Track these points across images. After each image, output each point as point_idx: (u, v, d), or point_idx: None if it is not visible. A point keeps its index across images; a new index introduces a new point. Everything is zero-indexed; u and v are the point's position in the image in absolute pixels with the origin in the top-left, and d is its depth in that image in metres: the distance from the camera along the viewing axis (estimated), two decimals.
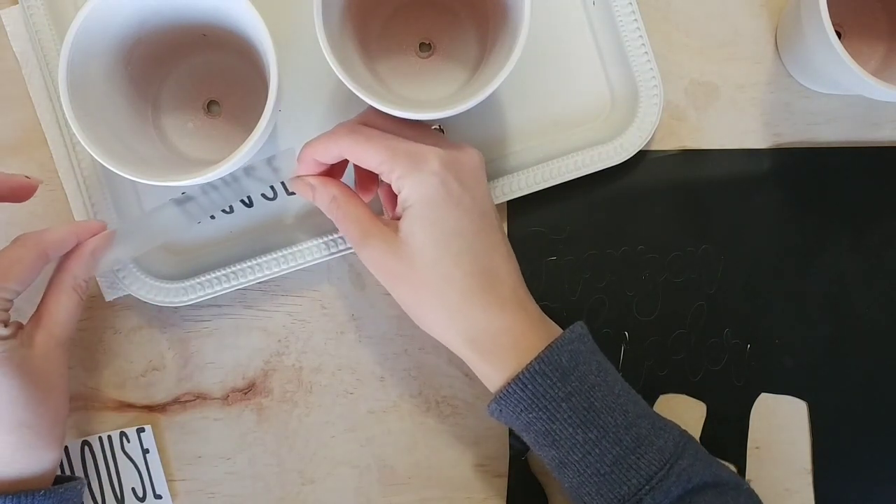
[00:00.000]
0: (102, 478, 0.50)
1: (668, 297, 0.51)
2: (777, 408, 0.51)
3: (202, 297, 0.49)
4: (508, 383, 0.41)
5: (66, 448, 0.50)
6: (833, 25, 0.43)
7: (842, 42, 0.43)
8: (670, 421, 0.43)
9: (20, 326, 0.43)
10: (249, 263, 0.49)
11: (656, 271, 0.51)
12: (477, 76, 0.47)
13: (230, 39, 0.46)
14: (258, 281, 0.49)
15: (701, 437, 0.50)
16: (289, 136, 0.50)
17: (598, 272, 0.51)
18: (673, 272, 0.51)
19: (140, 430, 0.50)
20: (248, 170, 0.45)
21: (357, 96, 0.41)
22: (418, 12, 0.49)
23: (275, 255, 0.49)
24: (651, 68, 0.49)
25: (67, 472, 0.50)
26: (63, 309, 0.44)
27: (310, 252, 0.49)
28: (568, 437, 0.41)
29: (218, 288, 0.49)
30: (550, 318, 0.51)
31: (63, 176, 0.51)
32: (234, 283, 0.49)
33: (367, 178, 0.47)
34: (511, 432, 0.51)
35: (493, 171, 0.49)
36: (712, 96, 0.52)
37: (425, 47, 0.49)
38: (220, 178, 0.45)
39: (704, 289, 0.51)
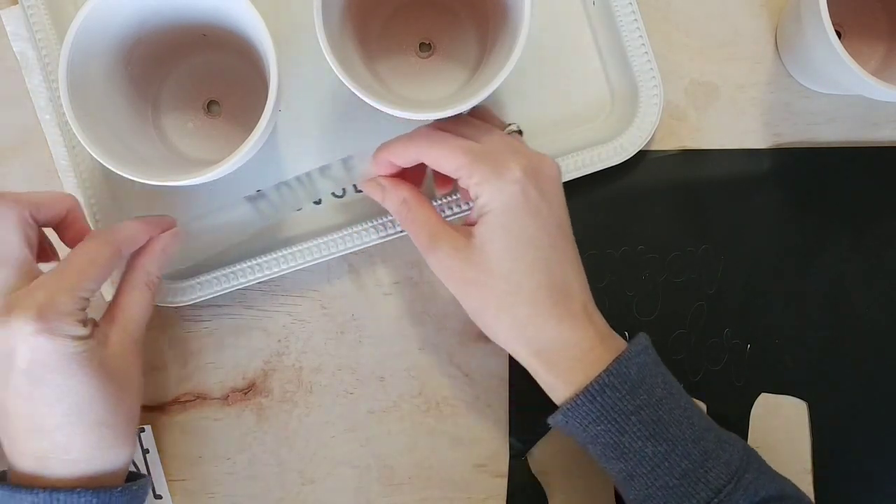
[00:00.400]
0: None
1: (668, 297, 0.51)
2: (777, 408, 0.51)
3: (202, 297, 0.49)
4: (577, 395, 0.41)
5: None
6: (833, 25, 0.43)
7: (842, 42, 0.43)
8: (733, 434, 0.43)
9: (96, 325, 0.42)
10: (249, 263, 0.49)
11: (656, 271, 0.51)
12: (477, 76, 0.47)
13: (230, 39, 0.46)
14: (258, 281, 0.49)
15: None
16: (289, 136, 0.50)
17: (598, 272, 0.51)
18: (673, 272, 0.51)
19: (140, 430, 0.50)
20: (323, 169, 0.45)
21: (357, 96, 0.41)
22: (418, 12, 0.49)
23: (275, 255, 0.49)
24: (651, 68, 0.49)
25: None
26: (137, 306, 0.44)
27: (310, 252, 0.49)
28: (637, 451, 0.40)
29: (218, 288, 0.49)
30: None
31: (63, 176, 0.51)
32: (233, 283, 0.49)
33: (443, 183, 0.47)
34: (511, 432, 0.51)
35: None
36: (712, 96, 0.52)
37: (425, 47, 0.49)
38: (295, 177, 0.45)
39: (704, 289, 0.51)
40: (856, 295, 0.51)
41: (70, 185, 0.50)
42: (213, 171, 0.41)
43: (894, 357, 0.51)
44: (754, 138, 0.52)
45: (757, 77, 0.52)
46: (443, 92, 0.49)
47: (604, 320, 0.43)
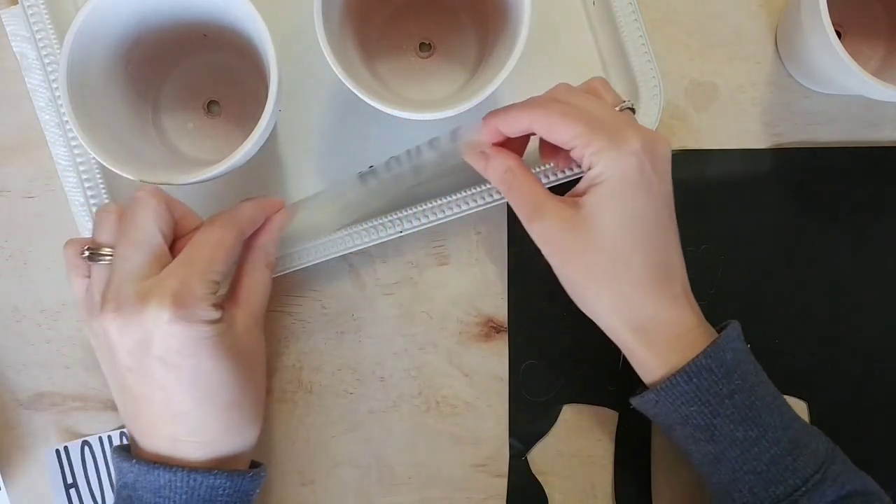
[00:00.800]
0: (102, 478, 0.50)
1: None
2: None
3: None
4: (673, 375, 0.41)
5: (66, 448, 0.50)
6: (833, 25, 0.43)
7: (842, 42, 0.43)
8: (816, 427, 0.43)
9: (223, 308, 0.42)
10: None
11: None
12: (477, 76, 0.47)
13: (230, 39, 0.46)
14: None
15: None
16: (289, 136, 0.50)
17: None
18: None
19: None
20: (431, 141, 0.45)
21: (357, 96, 0.41)
22: (418, 12, 0.49)
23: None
24: (651, 68, 0.49)
25: (68, 472, 0.50)
26: (259, 286, 0.44)
27: (310, 252, 0.49)
28: (728, 434, 0.41)
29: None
30: (550, 317, 0.51)
31: (63, 176, 0.51)
32: None
33: (551, 154, 0.46)
34: (511, 432, 0.51)
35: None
36: (712, 96, 0.52)
37: (425, 47, 0.49)
38: (405, 151, 0.45)
39: (704, 289, 0.51)
40: (856, 295, 0.51)
41: (70, 185, 0.50)
42: (212, 171, 0.41)
43: (894, 357, 0.51)
44: (754, 138, 0.52)
45: (757, 77, 0.52)
46: (443, 92, 0.49)
47: (697, 306, 0.43)
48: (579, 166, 0.42)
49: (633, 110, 0.43)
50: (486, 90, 0.40)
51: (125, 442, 0.50)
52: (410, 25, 0.49)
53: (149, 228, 0.40)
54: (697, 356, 0.40)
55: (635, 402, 0.44)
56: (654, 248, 0.41)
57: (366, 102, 0.41)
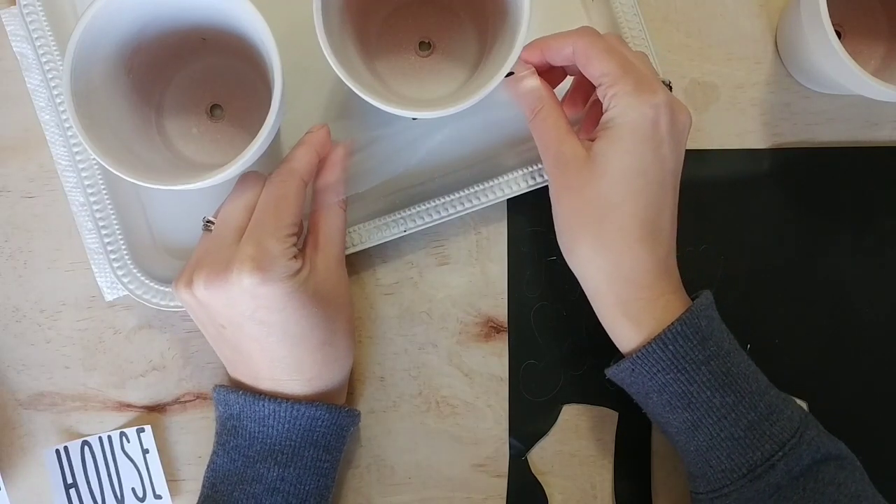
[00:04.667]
0: (102, 478, 0.50)
1: None
2: None
3: None
4: (648, 342, 0.41)
5: (66, 448, 0.50)
6: (833, 25, 0.43)
7: (842, 42, 0.43)
8: (787, 394, 0.44)
9: (303, 254, 0.44)
10: None
11: None
12: (477, 75, 0.47)
13: (230, 42, 0.46)
14: None
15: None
16: (291, 137, 0.50)
17: None
18: None
19: (140, 430, 0.50)
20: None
21: (357, 95, 0.41)
22: (418, 11, 0.49)
23: None
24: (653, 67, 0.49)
25: (68, 472, 0.50)
26: (334, 227, 0.46)
27: None
28: (705, 401, 0.41)
29: None
30: (550, 317, 0.51)
31: (63, 176, 0.51)
32: None
33: (581, 93, 0.47)
34: (511, 432, 0.51)
35: (494, 169, 0.49)
36: (712, 96, 0.52)
37: (425, 46, 0.49)
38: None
39: (704, 288, 0.51)
40: (856, 295, 0.51)
41: (70, 185, 0.50)
42: (218, 175, 0.41)
43: (894, 357, 0.51)
44: (754, 138, 0.52)
45: (757, 77, 0.52)
46: (443, 90, 0.49)
47: (679, 277, 0.43)
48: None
49: (669, 87, 0.44)
50: (485, 88, 0.40)
51: (125, 442, 0.50)
52: (410, 24, 0.49)
53: (235, 208, 0.44)
54: (673, 323, 0.41)
55: (611, 372, 0.44)
56: (646, 204, 0.41)
57: (366, 101, 0.41)
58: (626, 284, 0.42)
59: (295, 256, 0.43)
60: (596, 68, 0.41)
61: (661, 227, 0.42)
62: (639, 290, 0.42)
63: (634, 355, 0.42)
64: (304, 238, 0.46)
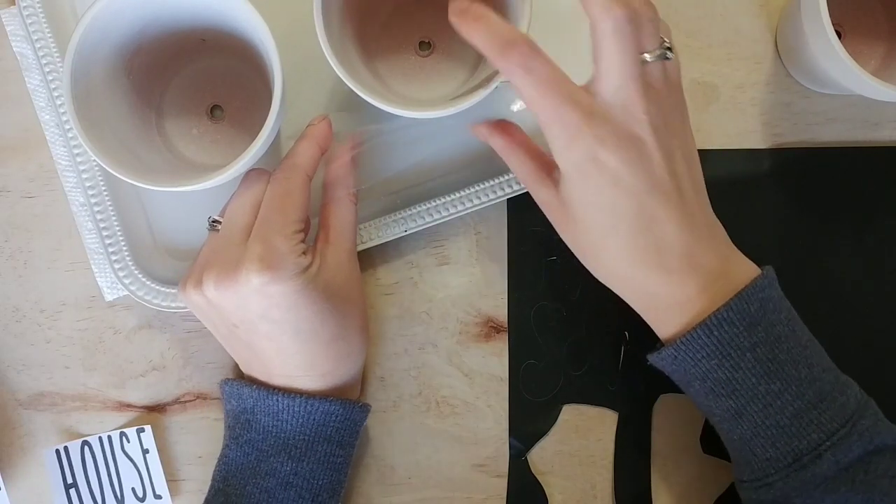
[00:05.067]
0: (102, 478, 0.50)
1: None
2: None
3: None
4: (693, 328, 0.40)
5: (66, 448, 0.50)
6: (833, 25, 0.43)
7: (842, 42, 0.43)
8: (849, 378, 0.43)
9: (313, 249, 0.44)
10: None
11: None
12: (477, 74, 0.47)
13: (230, 43, 0.46)
14: None
15: (701, 437, 0.50)
16: (289, 136, 0.50)
17: None
18: None
19: (140, 430, 0.50)
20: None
21: (358, 96, 0.41)
22: (417, 11, 0.49)
23: None
24: None
25: (68, 472, 0.50)
26: (344, 220, 0.46)
27: None
28: (749, 388, 0.40)
29: None
30: (550, 317, 0.51)
31: (63, 176, 0.51)
32: None
33: None
34: (511, 432, 0.51)
35: (493, 169, 0.49)
36: (712, 96, 0.52)
37: (425, 46, 0.49)
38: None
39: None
40: (856, 295, 0.51)
41: (70, 185, 0.50)
42: (219, 176, 0.41)
43: (894, 357, 0.51)
44: (754, 138, 0.52)
45: (757, 77, 0.52)
46: (443, 90, 0.49)
47: (726, 262, 0.42)
48: None
49: (668, 56, 0.40)
50: (486, 88, 0.40)
51: (125, 442, 0.50)
52: (410, 24, 0.49)
53: (241, 206, 0.44)
54: (719, 309, 0.40)
55: (653, 358, 0.43)
56: (628, 233, 0.40)
57: (367, 102, 0.41)
58: (647, 298, 0.42)
59: (304, 252, 0.43)
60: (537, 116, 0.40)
61: (660, 242, 0.40)
62: (661, 299, 0.41)
63: (678, 341, 0.41)
64: (315, 233, 0.47)
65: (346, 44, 0.45)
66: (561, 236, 0.43)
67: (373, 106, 0.42)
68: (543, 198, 0.43)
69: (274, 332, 0.43)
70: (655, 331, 0.43)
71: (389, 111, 0.41)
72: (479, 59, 0.49)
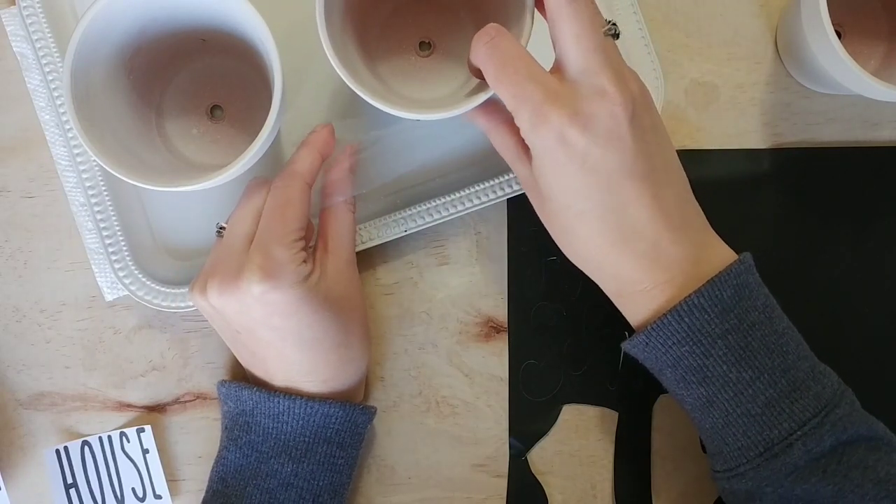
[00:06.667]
0: (102, 478, 0.50)
1: None
2: None
3: None
4: (663, 315, 0.40)
5: (66, 448, 0.50)
6: (833, 25, 0.43)
7: (842, 42, 0.43)
8: (828, 367, 0.42)
9: (313, 258, 0.45)
10: None
11: None
12: None
13: (230, 43, 0.46)
14: None
15: (701, 438, 0.50)
16: (292, 137, 0.50)
17: None
18: None
19: (140, 430, 0.50)
20: None
21: (359, 97, 0.41)
22: (418, 11, 0.49)
23: None
24: (654, 69, 0.49)
25: (68, 472, 0.50)
26: (343, 228, 0.47)
27: None
28: (720, 375, 0.40)
29: None
30: (550, 317, 0.51)
31: (63, 176, 0.51)
32: None
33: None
34: (511, 432, 0.51)
35: (494, 169, 0.49)
36: (712, 96, 0.52)
37: (425, 46, 0.49)
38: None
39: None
40: (856, 295, 0.51)
41: (70, 185, 0.50)
42: (219, 176, 0.41)
43: (894, 357, 0.51)
44: (754, 138, 0.52)
45: (757, 77, 0.52)
46: (443, 90, 0.49)
47: (701, 248, 0.41)
48: None
49: (615, 35, 0.40)
50: (488, 91, 0.40)
51: (125, 442, 0.50)
52: (410, 24, 0.49)
53: (243, 216, 0.44)
54: (690, 295, 0.39)
55: (626, 345, 0.43)
56: (597, 216, 0.39)
57: (367, 103, 0.41)
58: (616, 282, 0.42)
59: (304, 261, 0.43)
60: (499, 93, 0.39)
61: (630, 225, 0.39)
62: (631, 284, 0.41)
63: (648, 327, 0.40)
64: (314, 240, 0.47)
65: (348, 45, 0.45)
66: (539, 216, 0.43)
67: (373, 107, 0.42)
68: (521, 175, 0.42)
69: (276, 339, 0.43)
70: (627, 317, 0.43)
71: (393, 114, 0.41)
72: None
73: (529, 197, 0.43)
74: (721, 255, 0.42)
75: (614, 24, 0.39)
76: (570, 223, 0.40)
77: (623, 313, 0.43)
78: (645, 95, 0.40)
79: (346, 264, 0.46)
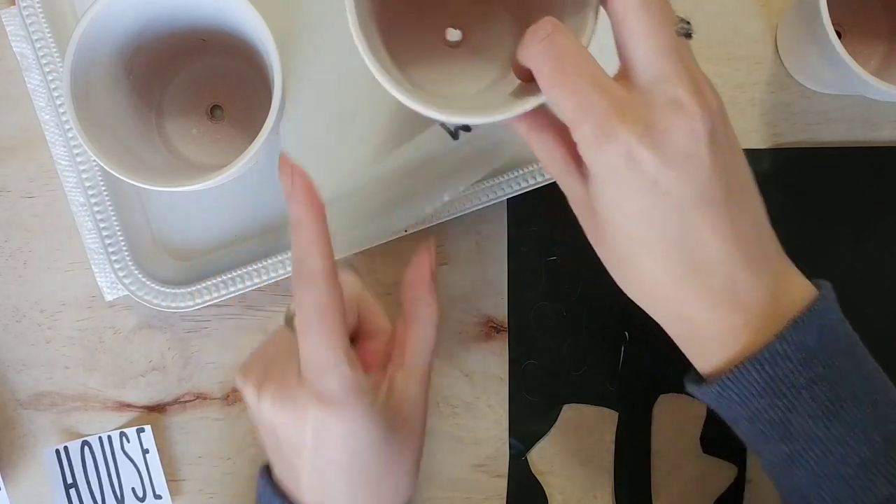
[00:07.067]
0: (102, 478, 0.50)
1: None
2: None
3: (207, 301, 0.49)
4: (741, 363, 0.34)
5: (66, 448, 0.50)
6: (833, 25, 0.43)
7: (842, 42, 0.43)
8: None
9: (383, 371, 0.38)
10: (255, 266, 0.49)
11: None
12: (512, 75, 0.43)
13: (230, 43, 0.46)
14: (264, 284, 0.49)
15: (701, 438, 0.50)
16: (292, 137, 0.50)
17: (599, 272, 0.50)
18: None
19: (140, 430, 0.50)
20: None
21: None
22: (446, 1, 0.45)
23: (280, 258, 0.49)
24: None
25: (68, 472, 0.50)
26: (425, 344, 0.39)
27: None
28: (806, 432, 0.35)
29: (224, 292, 0.48)
30: (550, 317, 0.51)
31: (63, 176, 0.51)
32: (239, 286, 0.48)
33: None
34: (511, 432, 0.51)
35: (494, 169, 0.49)
36: None
37: (454, 35, 0.45)
38: None
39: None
40: (856, 295, 0.51)
41: (70, 185, 0.50)
42: (219, 176, 0.41)
43: (894, 357, 0.51)
44: (754, 138, 0.52)
45: (757, 77, 0.52)
46: (471, 87, 0.46)
47: (780, 282, 0.36)
48: None
49: (688, 35, 0.35)
50: (539, 94, 0.35)
51: (125, 443, 0.50)
52: (439, 14, 0.45)
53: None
54: (772, 341, 0.34)
55: (692, 390, 0.37)
56: (665, 247, 0.34)
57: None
58: (681, 322, 0.36)
59: (361, 368, 0.36)
60: (559, 110, 0.34)
61: (702, 257, 0.34)
62: (701, 326, 0.36)
63: (723, 377, 0.35)
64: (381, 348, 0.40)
65: (376, 43, 0.40)
66: (588, 238, 0.37)
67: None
68: (571, 192, 0.37)
69: (318, 464, 0.37)
70: (692, 361, 0.37)
71: (431, 115, 0.36)
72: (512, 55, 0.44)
73: (579, 217, 0.37)
74: (800, 287, 0.37)
75: (688, 23, 0.34)
76: (631, 252, 0.35)
77: (687, 356, 0.37)
78: (722, 107, 0.35)
79: (419, 384, 0.39)
